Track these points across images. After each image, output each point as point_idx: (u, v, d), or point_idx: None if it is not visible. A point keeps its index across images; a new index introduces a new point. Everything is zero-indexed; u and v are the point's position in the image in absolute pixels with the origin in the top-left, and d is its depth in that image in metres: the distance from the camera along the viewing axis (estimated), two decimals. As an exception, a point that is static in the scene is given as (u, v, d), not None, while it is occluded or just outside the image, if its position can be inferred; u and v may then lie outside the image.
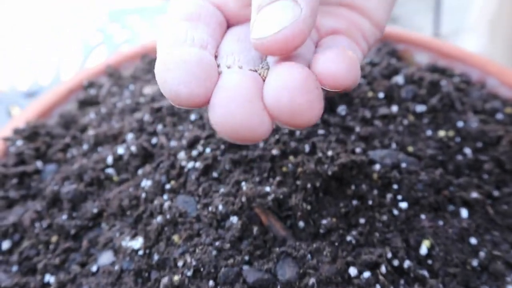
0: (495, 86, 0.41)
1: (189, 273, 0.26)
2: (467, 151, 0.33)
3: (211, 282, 0.25)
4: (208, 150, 0.34)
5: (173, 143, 0.35)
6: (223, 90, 0.19)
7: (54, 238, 0.31)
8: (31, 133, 0.38)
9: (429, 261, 0.26)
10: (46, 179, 0.35)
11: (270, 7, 0.19)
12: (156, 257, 0.28)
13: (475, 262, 0.26)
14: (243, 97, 0.18)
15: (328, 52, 0.20)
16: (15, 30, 0.94)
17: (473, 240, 0.27)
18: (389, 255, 0.26)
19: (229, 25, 0.24)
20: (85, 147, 0.37)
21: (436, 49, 0.46)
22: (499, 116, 0.37)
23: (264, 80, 0.20)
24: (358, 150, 0.33)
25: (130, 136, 0.37)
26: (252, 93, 0.19)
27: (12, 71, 0.82)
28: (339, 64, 0.20)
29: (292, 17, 0.18)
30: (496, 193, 0.30)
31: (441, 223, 0.28)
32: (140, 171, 0.34)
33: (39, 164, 0.36)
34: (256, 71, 0.21)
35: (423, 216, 0.29)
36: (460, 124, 0.36)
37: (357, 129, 0.35)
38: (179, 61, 0.19)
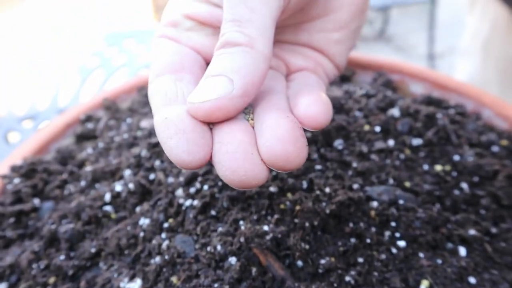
0: (490, 117, 0.42)
1: (188, 317, 0.26)
2: (464, 186, 0.34)
3: (210, 327, 0.25)
4: (205, 187, 0.34)
5: (171, 180, 0.35)
6: (225, 148, 0.21)
7: (51, 280, 0.30)
8: (28, 170, 0.38)
9: (429, 302, 0.26)
10: (44, 217, 0.35)
11: (211, 79, 0.22)
12: (154, 299, 0.27)
13: (474, 303, 0.26)
14: (244, 153, 0.21)
15: (307, 97, 0.24)
16: (12, 55, 0.95)
17: (472, 280, 0.27)
18: (389, 296, 0.26)
19: (207, 64, 0.26)
20: (83, 183, 0.37)
21: (431, 80, 0.47)
22: (495, 148, 0.38)
23: (253, 127, 0.23)
24: (355, 186, 0.33)
25: (127, 172, 0.37)
26: (250, 146, 0.21)
27: (9, 96, 0.83)
28: (319, 107, 0.23)
29: (221, 93, 0.21)
30: (493, 229, 0.31)
31: (439, 261, 0.28)
32: (138, 209, 0.34)
33: (36, 201, 0.36)
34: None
35: (421, 255, 0.29)
36: (456, 157, 0.36)
37: (354, 164, 0.35)
38: (178, 131, 0.21)
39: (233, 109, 0.22)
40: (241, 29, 0.23)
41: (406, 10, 3.24)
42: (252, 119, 0.23)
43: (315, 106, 0.23)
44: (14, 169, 0.38)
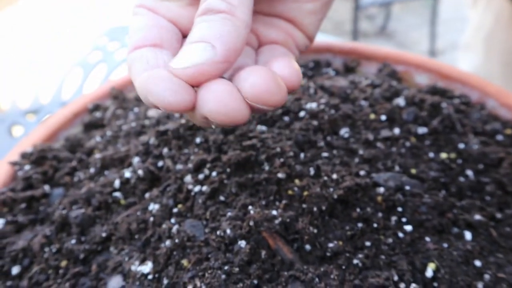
0: (494, 108, 0.42)
1: (199, 298, 0.26)
2: (469, 173, 0.34)
3: (221, 307, 0.26)
4: (214, 173, 0.34)
5: (179, 167, 0.36)
6: (210, 88, 0.23)
7: (63, 263, 0.31)
8: (38, 157, 0.39)
9: (435, 284, 0.27)
10: (54, 203, 0.36)
11: (193, 45, 0.23)
12: (165, 281, 0.28)
13: (480, 285, 0.26)
14: (228, 91, 0.22)
15: (279, 62, 0.25)
16: (15, 49, 0.95)
17: (478, 263, 0.28)
18: (396, 278, 0.26)
19: (184, 37, 0.28)
20: (92, 170, 0.38)
21: (436, 70, 0.47)
22: (499, 137, 0.38)
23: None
24: (362, 173, 0.33)
25: (136, 160, 0.37)
26: (233, 87, 0.23)
27: (13, 90, 0.83)
28: (291, 69, 0.25)
29: (203, 59, 0.22)
30: (498, 215, 0.31)
31: (445, 245, 0.29)
32: (147, 195, 0.34)
33: (46, 188, 0.37)
34: None
35: (427, 239, 0.29)
36: (461, 146, 0.36)
37: (361, 151, 0.35)
38: (163, 79, 0.22)
39: (215, 74, 0.23)
40: None
41: (408, 6, 3.24)
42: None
43: (287, 69, 0.25)
44: (25, 156, 0.39)
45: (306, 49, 0.32)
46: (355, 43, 0.53)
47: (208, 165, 0.35)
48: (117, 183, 0.35)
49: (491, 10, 0.79)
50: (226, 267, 0.28)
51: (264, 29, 0.30)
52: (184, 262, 0.29)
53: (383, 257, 0.28)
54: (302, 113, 0.40)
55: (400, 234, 0.29)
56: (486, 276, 0.27)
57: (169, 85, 0.22)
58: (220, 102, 0.22)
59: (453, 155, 0.35)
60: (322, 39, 0.67)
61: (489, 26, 0.80)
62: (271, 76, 0.23)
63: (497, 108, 0.42)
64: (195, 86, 0.23)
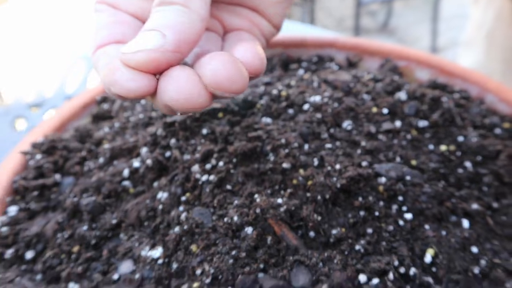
0: (493, 102, 0.43)
1: (208, 281, 0.28)
2: (468, 164, 0.35)
3: (229, 289, 0.27)
4: (221, 163, 0.35)
5: (187, 157, 0.37)
6: (170, 74, 0.23)
7: (75, 248, 0.32)
8: (49, 147, 0.40)
9: (434, 269, 0.28)
10: (65, 191, 0.37)
11: (145, 32, 0.23)
12: (175, 265, 0.29)
13: (476, 270, 0.28)
14: (187, 76, 0.23)
15: (242, 45, 0.25)
16: (19, 42, 0.96)
17: (475, 249, 0.29)
18: (396, 263, 0.28)
19: None
20: (101, 160, 0.39)
21: (436, 66, 0.48)
22: (498, 131, 0.39)
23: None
24: (364, 163, 0.34)
25: (144, 150, 0.38)
26: (193, 72, 0.23)
27: (16, 83, 0.84)
28: (254, 53, 0.25)
29: (152, 46, 0.23)
30: (495, 204, 0.32)
31: (444, 233, 0.30)
32: (155, 184, 0.36)
33: (57, 177, 0.38)
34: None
35: (427, 226, 0.30)
36: (460, 138, 0.37)
37: (363, 143, 0.37)
38: (121, 66, 0.23)
39: (165, 62, 0.23)
40: None
41: (409, 2, 3.24)
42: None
43: (250, 53, 0.25)
44: (36, 145, 0.40)
45: (273, 37, 0.33)
46: (358, 39, 0.54)
47: (215, 155, 0.36)
48: (126, 172, 0.36)
49: (492, 7, 0.80)
50: (233, 252, 0.29)
51: (228, 16, 0.31)
52: (193, 247, 0.30)
53: (384, 243, 0.29)
54: (306, 106, 0.41)
55: (401, 222, 0.30)
56: (482, 262, 0.28)
57: (126, 72, 0.23)
58: (180, 90, 0.23)
59: (452, 147, 0.37)
60: (325, 34, 0.68)
61: (490, 23, 0.81)
62: (232, 63, 0.23)
63: (496, 103, 0.43)
64: (150, 73, 0.23)
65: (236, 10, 0.31)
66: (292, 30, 0.93)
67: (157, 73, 0.24)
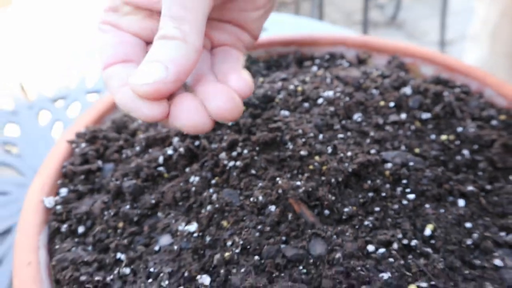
0: (492, 96, 0.47)
1: (237, 251, 0.32)
2: (465, 152, 0.40)
3: (256, 257, 0.31)
4: (245, 151, 0.40)
5: (214, 145, 0.41)
6: (181, 107, 0.29)
7: (120, 224, 0.37)
8: (91, 137, 0.44)
9: (432, 241, 0.32)
10: (107, 175, 0.42)
11: (150, 64, 0.28)
12: (208, 238, 0.34)
13: (469, 241, 0.32)
14: (195, 108, 0.29)
15: (233, 75, 0.32)
16: (38, 38, 1.01)
17: (468, 224, 0.33)
18: (400, 235, 0.32)
19: (148, 44, 0.33)
20: (137, 148, 0.44)
21: (440, 62, 0.52)
22: (494, 122, 0.43)
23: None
24: (372, 151, 0.39)
25: (176, 140, 0.43)
26: (199, 104, 0.29)
27: (39, 79, 0.89)
28: (244, 82, 0.31)
29: (157, 78, 0.27)
30: (488, 187, 0.37)
31: (442, 210, 0.34)
32: (187, 169, 0.40)
33: (99, 163, 0.42)
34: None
35: (427, 205, 0.35)
36: (459, 129, 0.42)
37: (372, 133, 0.41)
38: (140, 98, 0.28)
39: (167, 91, 0.28)
40: (177, 25, 0.28)
41: (418, -4, 3.25)
42: (191, 91, 0.31)
43: (242, 82, 0.31)
44: (79, 135, 0.45)
45: (252, 44, 0.38)
46: (367, 37, 0.58)
47: (240, 144, 0.41)
48: (161, 159, 0.41)
49: (497, 4, 0.83)
50: (259, 227, 0.33)
51: (216, 33, 0.36)
52: (224, 223, 0.34)
53: (389, 219, 0.34)
54: (320, 100, 0.45)
55: (404, 202, 0.35)
56: (475, 235, 0.32)
57: (141, 102, 0.28)
58: (189, 118, 0.28)
59: (452, 137, 0.41)
60: (336, 33, 0.72)
61: (495, 19, 0.84)
62: (232, 99, 0.29)
63: (494, 97, 0.47)
64: (156, 100, 0.28)
65: (223, 27, 0.36)
66: (302, 25, 0.97)
67: (163, 99, 0.28)
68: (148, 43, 0.33)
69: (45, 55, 0.97)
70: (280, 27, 0.99)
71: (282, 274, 0.30)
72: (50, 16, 1.10)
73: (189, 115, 0.28)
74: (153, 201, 0.38)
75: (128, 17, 0.33)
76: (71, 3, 1.12)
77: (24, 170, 0.67)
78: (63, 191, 0.40)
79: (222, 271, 0.31)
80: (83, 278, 0.32)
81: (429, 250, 0.31)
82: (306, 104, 0.45)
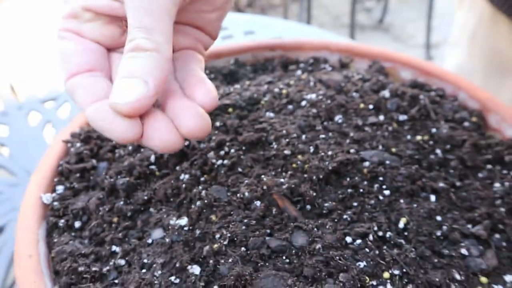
0: (465, 99, 0.50)
1: (225, 242, 0.34)
2: (438, 151, 0.42)
3: (242, 248, 0.34)
4: (232, 150, 0.42)
5: (203, 145, 0.44)
6: (153, 127, 0.29)
7: (115, 219, 0.39)
8: (85, 137, 0.47)
9: (405, 233, 0.35)
10: (101, 173, 0.44)
11: (128, 80, 0.28)
12: (198, 231, 0.36)
13: (439, 233, 0.35)
14: (167, 129, 0.29)
15: (200, 89, 0.32)
16: (27, 39, 1.02)
17: (439, 218, 0.36)
18: (375, 228, 0.35)
19: (108, 51, 0.33)
20: (130, 148, 0.46)
21: (417, 67, 0.55)
22: (466, 124, 0.46)
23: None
24: (352, 150, 0.41)
25: (167, 139, 0.45)
26: (170, 124, 0.30)
27: (28, 79, 0.90)
28: (210, 96, 0.32)
29: (139, 95, 0.27)
30: (458, 183, 0.39)
31: (415, 205, 0.37)
32: (178, 167, 0.42)
33: (94, 161, 0.45)
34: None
35: (401, 201, 0.37)
36: (433, 130, 0.45)
37: (351, 134, 0.44)
38: (114, 119, 0.28)
39: (149, 105, 0.28)
40: (148, 36, 0.28)
41: (405, -1, 3.30)
42: (158, 105, 0.32)
43: (208, 97, 0.32)
44: (74, 135, 0.47)
45: (211, 44, 0.39)
46: (349, 42, 0.61)
47: (227, 144, 0.43)
48: (152, 158, 0.43)
49: (474, 11, 0.86)
50: (245, 220, 0.36)
51: (177, 37, 0.35)
52: (212, 217, 0.37)
53: (366, 213, 0.36)
54: (303, 102, 0.48)
55: (380, 197, 0.38)
56: (444, 227, 0.35)
57: (116, 124, 0.28)
58: (162, 139, 0.29)
59: (426, 138, 0.44)
60: (320, 38, 0.75)
61: (472, 25, 0.87)
62: (201, 117, 0.30)
63: (467, 100, 0.50)
64: (134, 117, 0.28)
65: (183, 29, 0.36)
66: (290, 29, 1.00)
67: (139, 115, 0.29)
68: (109, 49, 0.33)
69: (35, 56, 0.98)
70: (269, 30, 1.01)
71: (267, 264, 0.33)
72: (39, 16, 1.11)
73: (162, 136, 0.29)
74: (146, 198, 0.40)
75: (88, 24, 0.32)
76: (61, 4, 1.13)
77: (15, 170, 0.68)
78: (60, 188, 0.42)
79: (211, 261, 0.33)
80: (81, 268, 0.34)
81: (402, 241, 0.34)
82: (290, 106, 0.48)
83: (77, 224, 0.39)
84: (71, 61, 0.31)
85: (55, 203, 0.40)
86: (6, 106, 0.83)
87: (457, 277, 0.32)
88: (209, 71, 0.58)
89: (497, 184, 0.40)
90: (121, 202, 0.40)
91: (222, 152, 0.42)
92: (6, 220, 0.59)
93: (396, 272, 0.32)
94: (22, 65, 0.97)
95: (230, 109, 0.48)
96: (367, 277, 0.31)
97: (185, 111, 0.30)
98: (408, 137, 0.44)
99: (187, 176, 0.41)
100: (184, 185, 0.40)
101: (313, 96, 0.48)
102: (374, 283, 0.31)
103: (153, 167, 0.43)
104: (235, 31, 1.03)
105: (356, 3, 2.58)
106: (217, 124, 0.46)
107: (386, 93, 0.49)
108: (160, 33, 0.29)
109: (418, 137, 0.44)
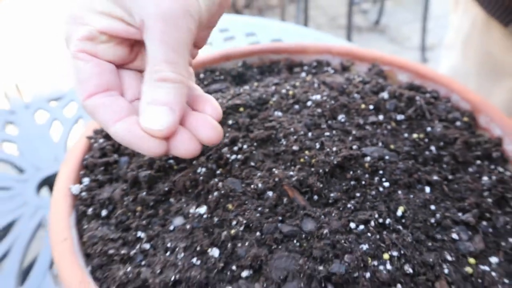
0: (457, 101, 0.55)
1: (241, 228, 0.38)
2: (432, 148, 0.47)
3: (257, 233, 0.38)
4: (245, 146, 0.46)
5: (217, 141, 0.48)
6: (179, 140, 0.34)
7: (138, 208, 0.43)
8: (107, 133, 0.50)
9: (403, 220, 0.39)
10: (123, 167, 0.47)
11: (158, 108, 0.32)
12: (216, 219, 0.40)
13: (432, 220, 0.39)
14: (189, 139, 0.35)
15: (209, 106, 0.38)
16: (30, 38, 1.04)
17: (433, 207, 0.40)
18: (376, 215, 0.39)
19: (117, 67, 0.37)
20: (149, 144, 0.50)
21: (413, 70, 0.59)
22: (458, 123, 0.50)
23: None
24: (354, 147, 0.45)
25: (183, 136, 0.49)
26: (192, 136, 0.35)
27: (34, 79, 0.92)
28: (218, 110, 0.38)
29: (170, 121, 0.32)
30: (450, 177, 0.44)
31: (411, 196, 0.41)
32: (195, 162, 0.46)
33: (116, 156, 0.48)
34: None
35: (399, 192, 0.41)
36: (428, 129, 0.49)
37: (354, 132, 0.48)
38: (143, 136, 0.32)
39: (176, 128, 0.33)
40: (175, 70, 0.32)
41: (400, 1, 3.35)
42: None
43: (215, 112, 0.37)
44: (97, 132, 0.50)
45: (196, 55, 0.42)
46: (350, 46, 0.65)
47: (240, 140, 0.47)
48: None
49: (468, 15, 0.89)
50: (259, 209, 0.40)
51: None
52: (229, 206, 0.41)
53: (368, 203, 0.40)
54: (309, 103, 0.52)
55: (380, 188, 0.42)
56: (437, 215, 0.39)
57: (147, 143, 0.32)
58: (186, 149, 0.34)
59: (422, 136, 0.48)
60: (322, 42, 0.79)
61: (466, 29, 0.90)
62: (216, 127, 0.36)
63: (459, 101, 0.54)
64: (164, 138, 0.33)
65: None
66: (288, 30, 1.03)
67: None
68: (117, 66, 0.36)
69: (41, 55, 1.00)
70: (268, 32, 1.05)
71: (280, 247, 0.37)
72: (39, 16, 1.13)
73: (186, 146, 0.34)
74: (166, 189, 0.44)
75: (103, 45, 0.34)
76: (65, 2, 1.16)
77: (24, 166, 0.72)
78: (86, 180, 0.46)
79: (229, 244, 0.37)
80: (111, 251, 0.38)
81: (400, 227, 0.38)
82: (296, 106, 0.52)
83: (104, 212, 0.43)
84: (90, 82, 0.33)
85: (83, 193, 0.44)
86: (13, 105, 0.86)
87: (449, 258, 0.36)
88: (219, 72, 0.62)
89: (485, 178, 0.44)
90: (144, 193, 0.44)
91: (235, 148, 0.46)
92: (17, 215, 0.62)
93: (395, 253, 0.36)
94: (27, 65, 0.99)
95: (241, 109, 0.51)
96: (369, 258, 0.35)
97: (203, 124, 0.35)
98: (405, 135, 0.48)
99: (204, 169, 0.45)
100: (201, 178, 0.44)
101: (317, 97, 0.52)
102: (375, 263, 0.35)
103: (171, 161, 0.47)
104: (236, 32, 1.07)
105: (353, 5, 2.62)
106: (230, 122, 0.50)
107: (385, 95, 0.53)
108: (182, 67, 0.33)
109: (415, 135, 0.48)
